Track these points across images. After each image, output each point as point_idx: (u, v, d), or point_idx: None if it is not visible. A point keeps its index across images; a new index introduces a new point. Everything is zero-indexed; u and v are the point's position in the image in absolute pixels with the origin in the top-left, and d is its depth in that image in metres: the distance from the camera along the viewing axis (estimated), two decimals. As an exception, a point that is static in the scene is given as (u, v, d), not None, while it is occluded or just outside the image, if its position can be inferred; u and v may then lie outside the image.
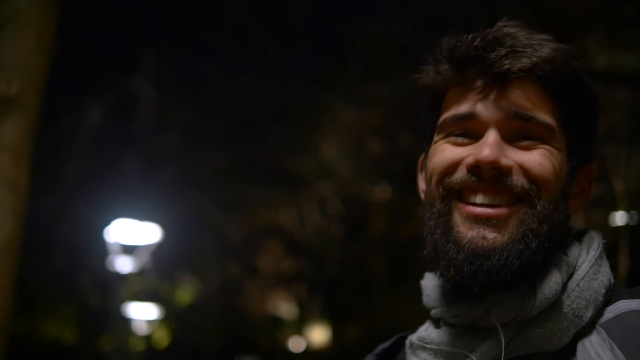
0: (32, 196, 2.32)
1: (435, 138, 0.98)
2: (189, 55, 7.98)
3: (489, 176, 0.89)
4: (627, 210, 4.30)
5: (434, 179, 0.94)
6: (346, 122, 8.49)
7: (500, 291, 0.89)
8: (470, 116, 0.93)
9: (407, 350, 0.98)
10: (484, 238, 0.87)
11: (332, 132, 8.87)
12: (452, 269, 0.88)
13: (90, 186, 8.44)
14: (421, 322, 1.02)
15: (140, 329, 12.59)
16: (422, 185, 1.08)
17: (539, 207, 0.89)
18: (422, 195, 1.07)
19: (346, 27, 7.47)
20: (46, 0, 2.37)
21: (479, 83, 0.93)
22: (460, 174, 0.91)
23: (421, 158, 1.09)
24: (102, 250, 9.53)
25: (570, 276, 0.91)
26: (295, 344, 12.99)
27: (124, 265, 9.61)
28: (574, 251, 0.94)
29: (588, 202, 1.04)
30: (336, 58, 7.72)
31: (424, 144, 1.05)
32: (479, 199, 0.90)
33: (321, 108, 8.46)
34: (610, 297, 0.92)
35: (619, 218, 4.48)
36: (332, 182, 9.47)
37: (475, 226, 0.88)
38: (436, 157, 0.95)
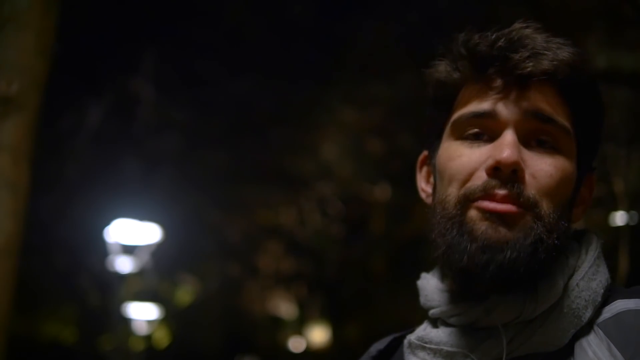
0: (32, 196, 2.32)
1: (448, 137, 0.97)
2: (189, 55, 7.98)
3: (507, 178, 0.89)
4: (627, 210, 4.29)
5: (455, 185, 0.93)
6: (346, 122, 8.49)
7: (501, 292, 0.89)
8: (489, 114, 0.92)
9: (406, 350, 0.97)
10: (497, 230, 0.87)
11: (332, 132, 8.87)
12: (466, 257, 0.88)
13: (90, 186, 8.45)
14: (421, 322, 1.02)
15: (140, 329, 12.60)
16: (421, 184, 1.07)
17: (545, 218, 0.89)
18: (423, 195, 1.06)
19: (346, 27, 7.47)
20: (46, 0, 2.37)
21: (498, 82, 0.92)
22: (481, 180, 0.90)
23: (422, 156, 1.08)
24: (102, 250, 9.53)
25: (570, 277, 0.92)
26: (295, 344, 12.99)
27: (124, 265, 9.61)
28: (573, 252, 0.94)
29: (587, 203, 1.04)
30: (336, 58, 7.72)
31: (430, 140, 1.03)
32: (496, 198, 0.90)
33: (321, 108, 8.46)
34: (607, 297, 0.92)
35: (619, 218, 4.47)
36: (332, 182, 9.47)
37: (489, 220, 0.88)
38: (454, 164, 0.93)
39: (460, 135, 0.95)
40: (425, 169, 1.06)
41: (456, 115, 0.95)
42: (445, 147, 0.96)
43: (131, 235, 9.30)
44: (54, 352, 11.08)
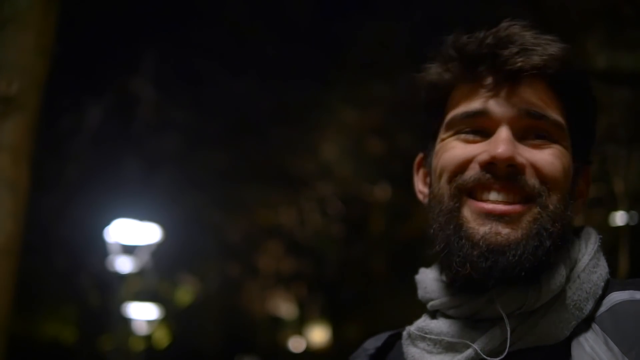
0: (32, 196, 2.32)
1: (443, 135, 0.97)
2: (189, 55, 7.99)
3: (503, 173, 0.89)
4: (627, 210, 4.29)
5: (445, 176, 0.93)
6: (346, 122, 8.49)
7: (503, 283, 0.89)
8: (482, 113, 0.92)
9: (405, 341, 0.97)
10: (498, 233, 0.87)
11: (332, 132, 8.88)
12: (468, 265, 0.87)
13: (90, 186, 8.45)
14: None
15: (140, 329, 12.60)
16: (419, 185, 1.07)
17: (551, 207, 0.89)
18: (420, 196, 1.06)
19: (346, 27, 7.48)
20: (46, 0, 2.37)
21: (489, 80, 0.92)
22: (473, 171, 0.90)
23: (418, 158, 1.08)
24: (102, 250, 9.53)
25: (571, 269, 0.92)
26: (295, 344, 13.00)
27: (124, 265, 9.61)
28: (574, 245, 0.95)
29: (588, 202, 1.05)
30: (336, 58, 7.72)
31: (424, 143, 1.04)
32: (492, 196, 0.89)
33: (321, 108, 8.47)
34: (605, 290, 0.92)
35: (619, 218, 4.47)
36: (332, 182, 9.47)
37: (487, 222, 0.88)
38: (446, 155, 0.94)
39: (455, 133, 0.95)
40: (422, 171, 1.07)
41: (449, 116, 0.96)
42: (440, 145, 0.97)
43: (131, 235, 9.30)
44: (54, 352, 11.08)
